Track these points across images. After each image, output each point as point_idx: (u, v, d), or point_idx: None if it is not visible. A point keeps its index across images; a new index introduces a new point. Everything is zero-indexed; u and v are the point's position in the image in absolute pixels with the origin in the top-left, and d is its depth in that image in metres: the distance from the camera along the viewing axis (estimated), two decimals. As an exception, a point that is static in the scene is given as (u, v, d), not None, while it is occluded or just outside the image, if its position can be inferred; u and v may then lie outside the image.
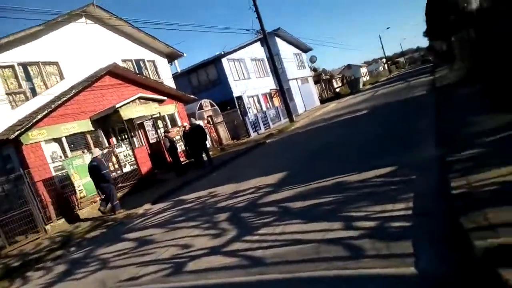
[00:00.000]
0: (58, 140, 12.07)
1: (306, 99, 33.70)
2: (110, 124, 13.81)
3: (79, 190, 11.11)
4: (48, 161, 11.47)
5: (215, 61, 24.18)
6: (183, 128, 14.59)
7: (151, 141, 15.85)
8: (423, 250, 2.98)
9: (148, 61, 18.03)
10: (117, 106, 12.98)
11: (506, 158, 4.02)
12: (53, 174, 11.40)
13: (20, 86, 12.17)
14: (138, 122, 15.32)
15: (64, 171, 11.31)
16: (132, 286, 4.33)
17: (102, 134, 13.67)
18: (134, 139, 15.04)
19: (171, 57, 19.78)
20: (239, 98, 24.32)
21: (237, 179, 8.94)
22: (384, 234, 3.47)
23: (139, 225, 7.68)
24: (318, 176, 6.43)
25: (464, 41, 16.74)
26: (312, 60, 40.29)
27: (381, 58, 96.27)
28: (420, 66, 60.23)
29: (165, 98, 16.16)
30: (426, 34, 43.48)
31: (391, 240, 3.29)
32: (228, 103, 23.54)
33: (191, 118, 15.02)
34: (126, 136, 14.32)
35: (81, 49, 14.28)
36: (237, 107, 22.97)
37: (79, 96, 12.91)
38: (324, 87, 46.93)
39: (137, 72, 16.58)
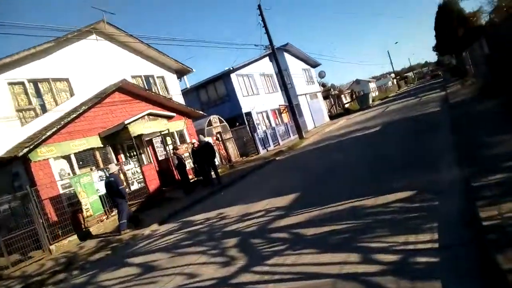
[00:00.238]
0: (66, 157, 11.98)
1: (316, 115, 33.46)
2: (119, 140, 13.72)
3: (86, 209, 10.93)
4: (56, 179, 11.35)
5: (224, 77, 24.20)
6: (192, 145, 14.43)
7: (160, 158, 15.71)
8: (456, 293, 2.66)
9: (157, 77, 18.09)
10: (126, 122, 12.90)
11: (540, 185, 3.69)
12: (61, 191, 11.26)
13: (30, 102, 12.20)
14: (147, 138, 15.23)
15: (71, 188, 11.17)
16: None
17: (111, 151, 13.57)
18: (143, 156, 14.92)
19: (181, 73, 19.84)
20: (248, 114, 24.20)
21: (247, 200, 8.65)
22: (408, 271, 3.15)
23: (145, 248, 7.41)
24: (332, 198, 6.12)
25: (476, 55, 16.44)
26: (321, 75, 40.22)
27: (389, 73, 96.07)
28: (430, 81, 59.73)
29: (174, 114, 16.09)
30: (436, 49, 43.36)
31: (417, 279, 2.97)
32: (237, 119, 23.42)
33: (200, 135, 14.87)
34: (134, 153, 14.20)
35: (91, 65, 14.37)
36: (246, 123, 22.82)
37: (89, 112, 12.89)
38: (333, 103, 46.69)
39: (147, 88, 16.60)
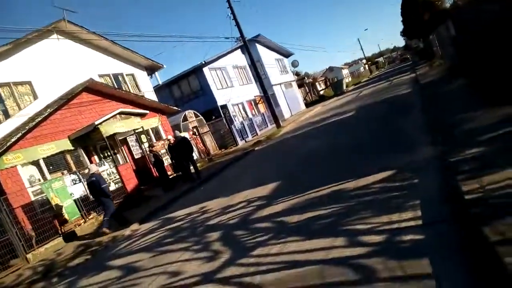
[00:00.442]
0: (35, 163, 11.45)
1: (291, 104, 33.58)
2: (91, 142, 13.22)
3: (60, 214, 10.49)
4: (26, 186, 10.84)
5: (197, 71, 23.81)
6: (168, 141, 14.12)
7: (136, 157, 15.30)
8: (443, 269, 2.64)
9: (127, 74, 17.52)
10: (96, 123, 12.43)
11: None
12: (33, 198, 10.78)
13: (-10, 109, 11.52)
14: (121, 138, 14.76)
15: (44, 194, 10.69)
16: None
17: (83, 153, 13.06)
18: (118, 156, 14.45)
19: (151, 69, 19.30)
20: (224, 106, 23.96)
21: (227, 192, 8.51)
22: (395, 251, 3.12)
23: (125, 249, 7.16)
24: (312, 185, 6.07)
25: (443, 37, 16.82)
26: (294, 64, 40.35)
27: (361, 59, 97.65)
28: (400, 64, 61.08)
29: (147, 111, 15.69)
30: (403, 33, 44.23)
31: (404, 258, 2.94)
32: (213, 113, 23.17)
33: (176, 131, 14.54)
34: (109, 154, 13.73)
35: (54, 66, 13.70)
36: (223, 116, 22.58)
37: (56, 115, 12.32)
38: (308, 91, 46.99)
39: (116, 86, 16.04)
